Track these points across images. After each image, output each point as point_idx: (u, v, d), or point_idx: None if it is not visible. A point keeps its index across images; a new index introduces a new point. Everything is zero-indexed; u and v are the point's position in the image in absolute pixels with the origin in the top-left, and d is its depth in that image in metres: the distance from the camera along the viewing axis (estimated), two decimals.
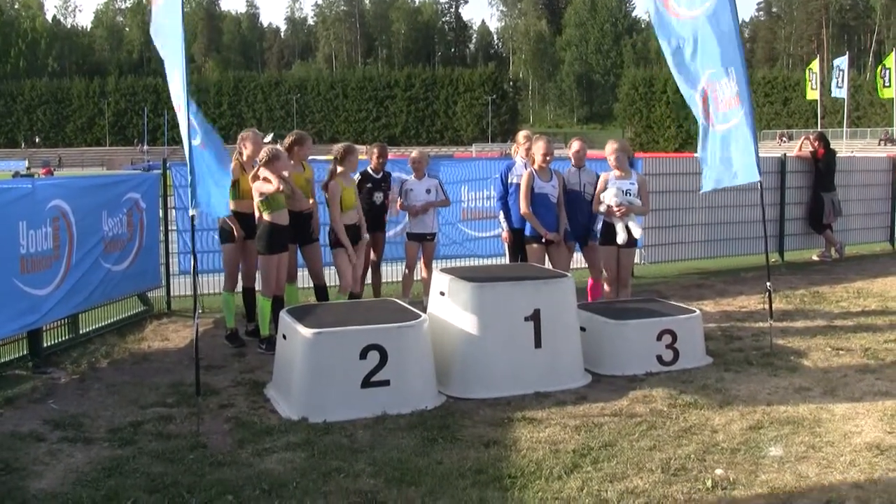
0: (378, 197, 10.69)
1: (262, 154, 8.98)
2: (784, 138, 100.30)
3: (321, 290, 9.89)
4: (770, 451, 6.08)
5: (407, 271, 11.20)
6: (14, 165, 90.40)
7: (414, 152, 11.34)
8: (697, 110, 9.78)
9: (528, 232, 10.03)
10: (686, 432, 6.53)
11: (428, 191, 10.90)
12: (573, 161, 10.41)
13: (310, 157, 10.36)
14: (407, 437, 6.46)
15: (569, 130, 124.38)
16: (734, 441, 6.31)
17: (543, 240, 9.94)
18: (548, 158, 10.04)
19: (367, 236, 10.22)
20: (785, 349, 9.08)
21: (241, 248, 9.48)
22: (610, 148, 10.09)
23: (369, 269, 10.92)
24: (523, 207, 9.90)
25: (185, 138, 6.98)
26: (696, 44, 9.81)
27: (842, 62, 72.86)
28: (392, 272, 12.12)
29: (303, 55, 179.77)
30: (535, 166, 9.95)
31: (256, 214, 9.05)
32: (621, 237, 9.86)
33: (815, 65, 76.34)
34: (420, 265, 11.16)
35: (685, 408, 7.10)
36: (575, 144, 10.49)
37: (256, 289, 9.63)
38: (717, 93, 9.55)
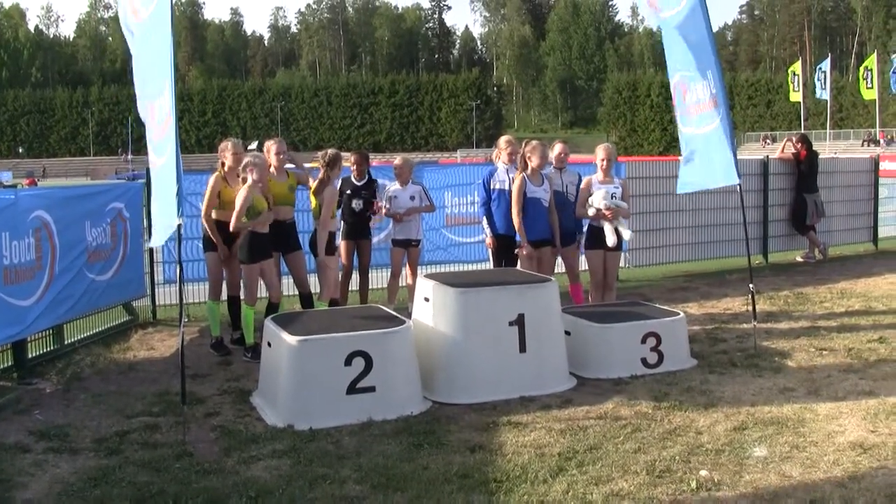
0: (357, 204, 10.67)
1: (247, 160, 9.00)
2: (767, 140, 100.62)
3: (306, 299, 9.89)
4: (754, 452, 6.12)
5: (392, 278, 11.20)
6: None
7: (397, 159, 11.31)
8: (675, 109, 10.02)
9: (531, 238, 10.03)
10: (671, 434, 6.56)
11: (412, 197, 10.90)
12: (554, 163, 10.46)
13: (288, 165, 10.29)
14: (392, 443, 6.47)
15: (553, 135, 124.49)
16: (719, 442, 6.34)
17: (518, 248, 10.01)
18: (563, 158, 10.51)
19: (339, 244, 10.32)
20: (769, 350, 9.12)
21: (226, 257, 9.48)
22: (603, 153, 10.14)
23: (353, 276, 10.93)
24: (515, 217, 9.89)
25: (174, 149, 6.97)
26: (667, 43, 9.95)
27: (824, 64, 73.33)
28: (377, 278, 12.13)
29: (286, 63, 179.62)
30: (529, 171, 9.95)
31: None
32: (611, 240, 9.91)
33: (798, 67, 76.77)
34: (406, 271, 11.16)
35: (670, 410, 7.13)
36: (557, 147, 10.55)
37: (241, 297, 9.64)
38: (687, 94, 9.66)
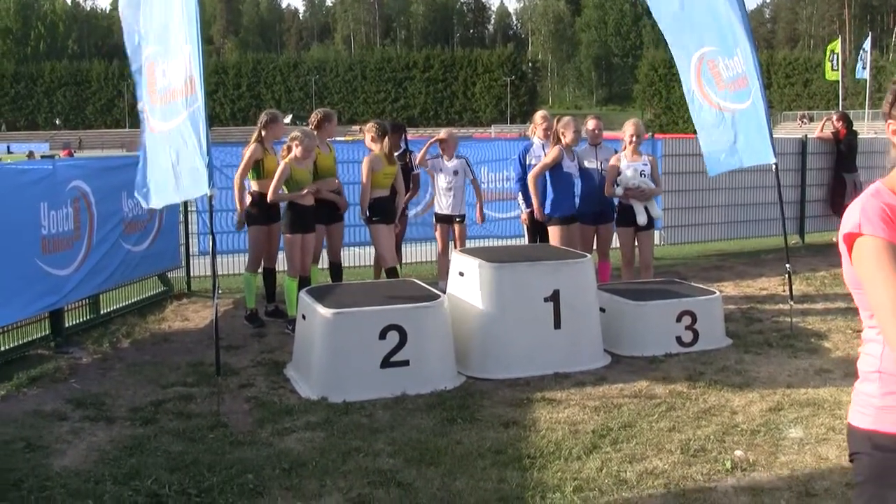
0: None
1: (295, 133, 9.06)
2: (804, 119, 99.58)
3: (337, 268, 9.93)
4: (790, 433, 6.07)
5: (441, 255, 11.05)
6: (35, 147, 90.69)
7: (442, 133, 11.14)
8: (690, 89, 9.87)
9: (565, 213, 9.98)
10: (705, 413, 6.52)
11: (456, 171, 10.77)
12: (588, 139, 10.36)
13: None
14: (426, 418, 6.47)
15: (588, 111, 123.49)
16: (754, 423, 6.30)
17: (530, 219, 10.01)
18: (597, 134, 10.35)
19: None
20: (805, 331, 9.04)
21: (268, 230, 9.52)
22: (632, 129, 10.03)
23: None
24: (531, 182, 9.82)
25: (203, 118, 6.95)
26: (686, 19, 9.77)
27: (865, 43, 72.43)
28: (414, 253, 12.15)
29: (321, 37, 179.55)
30: (564, 144, 9.89)
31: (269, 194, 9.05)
32: (641, 219, 9.81)
33: (836, 45, 75.81)
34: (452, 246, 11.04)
35: (705, 389, 7.09)
36: (591, 122, 10.42)
37: (278, 270, 9.66)
38: (718, 72, 9.51)
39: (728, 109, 9.61)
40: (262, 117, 9.66)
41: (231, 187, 10.97)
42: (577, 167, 9.99)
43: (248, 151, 9.46)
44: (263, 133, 9.51)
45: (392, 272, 9.76)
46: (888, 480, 2.74)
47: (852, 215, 2.67)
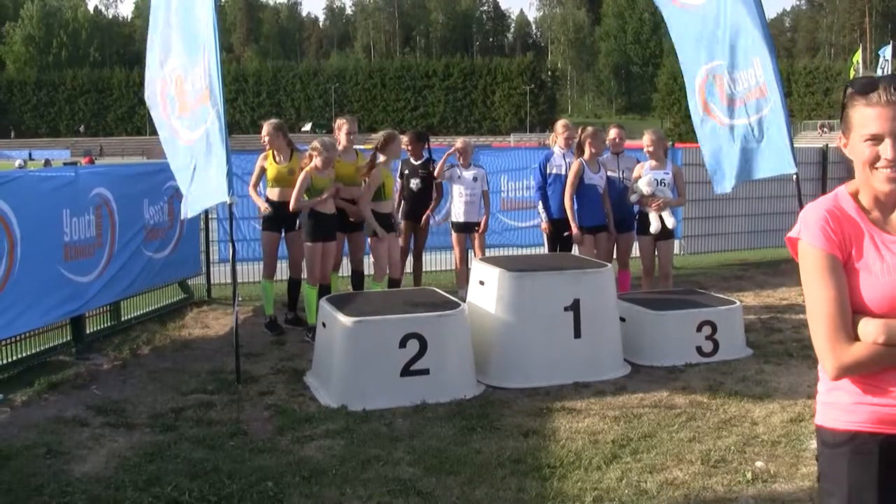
0: (415, 183, 10.62)
1: (315, 143, 9.08)
2: (824, 129, 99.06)
3: (359, 277, 9.95)
4: (811, 444, 6.01)
5: (460, 264, 11.00)
6: (57, 155, 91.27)
7: (458, 142, 11.17)
8: (695, 103, 9.82)
9: (587, 224, 9.97)
10: (726, 424, 6.49)
11: (475, 178, 10.75)
12: (610, 148, 10.38)
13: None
14: (446, 426, 6.46)
15: (607, 120, 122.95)
16: (775, 433, 6.27)
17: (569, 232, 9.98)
18: (618, 143, 10.36)
19: (400, 224, 10.24)
20: None
21: (290, 237, 9.55)
22: (647, 138, 10.04)
23: (409, 257, 10.86)
24: (567, 201, 9.86)
25: (222, 124, 7.00)
26: (701, 33, 9.72)
27: (886, 51, 72.04)
28: (434, 261, 12.14)
29: (341, 45, 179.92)
30: (587, 156, 9.91)
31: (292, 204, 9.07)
32: (654, 226, 9.81)
33: (859, 55, 75.48)
34: (471, 255, 10.99)
35: (725, 399, 7.06)
36: (612, 131, 10.45)
37: (303, 278, 9.71)
38: (727, 85, 9.44)
39: (735, 124, 9.53)
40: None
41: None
42: (602, 178, 9.98)
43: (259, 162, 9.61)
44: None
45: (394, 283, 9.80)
46: (831, 475, 2.76)
47: (798, 221, 2.88)
